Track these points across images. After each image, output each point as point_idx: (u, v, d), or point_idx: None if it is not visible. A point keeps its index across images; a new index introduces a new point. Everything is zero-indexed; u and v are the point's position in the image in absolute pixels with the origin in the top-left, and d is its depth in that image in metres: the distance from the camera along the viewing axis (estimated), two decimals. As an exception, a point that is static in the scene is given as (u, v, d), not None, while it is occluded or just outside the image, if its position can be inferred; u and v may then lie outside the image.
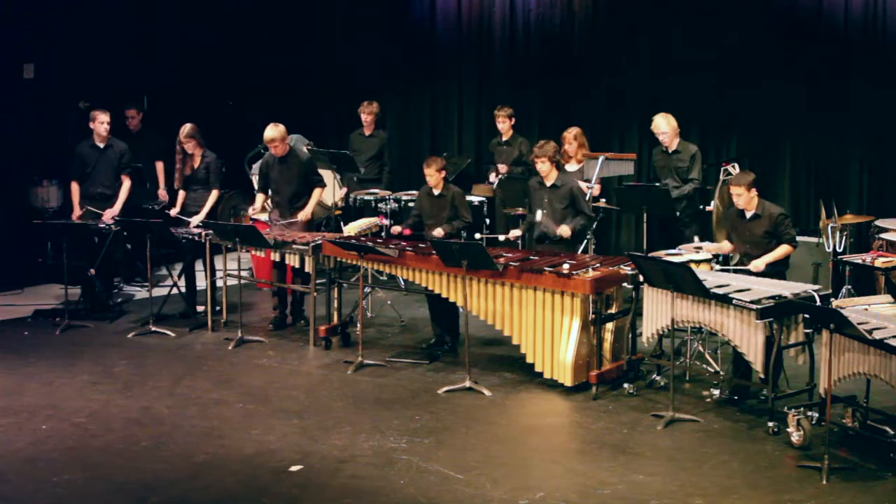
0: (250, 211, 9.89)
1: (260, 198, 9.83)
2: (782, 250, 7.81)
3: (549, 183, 8.73)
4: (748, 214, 7.88)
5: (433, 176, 8.94)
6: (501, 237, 9.38)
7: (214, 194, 9.91)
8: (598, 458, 6.67)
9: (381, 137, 11.53)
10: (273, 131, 9.48)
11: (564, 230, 8.63)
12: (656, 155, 9.84)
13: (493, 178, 11.06)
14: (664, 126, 9.59)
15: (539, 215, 8.53)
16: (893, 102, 10.10)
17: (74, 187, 10.13)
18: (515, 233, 9.25)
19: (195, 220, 9.70)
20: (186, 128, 9.81)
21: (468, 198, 9.98)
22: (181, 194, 9.96)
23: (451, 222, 8.96)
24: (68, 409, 7.56)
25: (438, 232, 8.89)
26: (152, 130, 11.47)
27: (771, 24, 10.74)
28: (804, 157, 10.75)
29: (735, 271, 7.86)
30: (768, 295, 7.04)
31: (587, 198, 9.60)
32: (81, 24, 11.93)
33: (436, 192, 9.05)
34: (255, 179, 11.59)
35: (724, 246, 8.19)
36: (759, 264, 7.75)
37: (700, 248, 8.34)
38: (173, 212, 9.90)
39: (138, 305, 10.39)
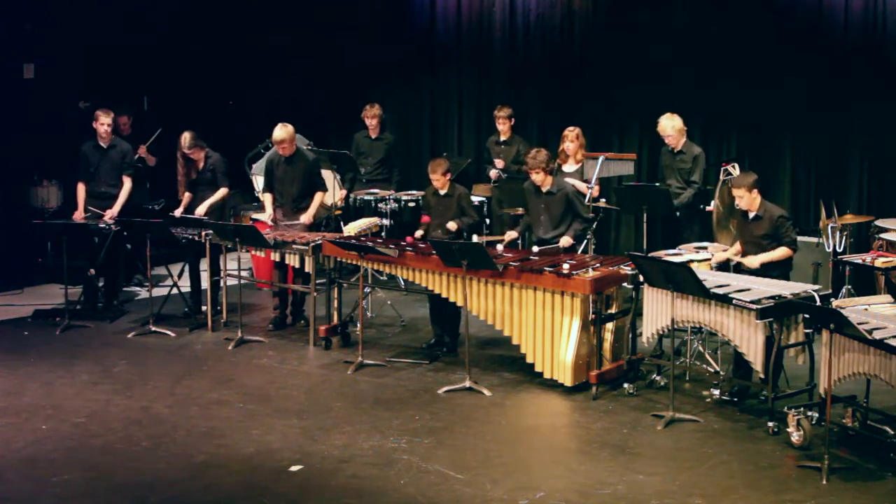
0: (265, 218, 9.72)
1: (268, 197, 9.71)
2: (779, 252, 7.72)
3: (545, 189, 8.74)
4: (750, 215, 7.85)
5: (439, 180, 9.06)
6: (499, 246, 8.69)
7: (223, 191, 9.92)
8: (598, 458, 6.67)
9: (388, 140, 11.45)
10: (282, 132, 9.45)
11: (566, 241, 8.66)
12: (663, 154, 9.83)
13: (493, 174, 11.03)
14: (669, 128, 9.57)
15: (535, 250, 8.52)
16: (893, 102, 10.09)
17: (81, 188, 10.09)
18: (511, 234, 9.23)
19: (200, 209, 9.74)
20: (187, 137, 9.72)
21: (468, 197, 9.99)
22: (187, 196, 9.93)
23: (461, 218, 9.05)
24: (68, 409, 7.56)
25: (451, 226, 9.01)
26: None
27: (771, 24, 10.73)
28: (804, 157, 10.74)
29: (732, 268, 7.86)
30: (768, 295, 7.04)
31: (587, 199, 9.60)
32: (81, 24, 11.93)
33: (442, 192, 9.12)
34: (255, 179, 11.58)
35: (735, 249, 8.08)
36: (753, 261, 7.73)
37: (704, 248, 8.32)
38: (177, 212, 9.88)
39: (138, 305, 10.39)
